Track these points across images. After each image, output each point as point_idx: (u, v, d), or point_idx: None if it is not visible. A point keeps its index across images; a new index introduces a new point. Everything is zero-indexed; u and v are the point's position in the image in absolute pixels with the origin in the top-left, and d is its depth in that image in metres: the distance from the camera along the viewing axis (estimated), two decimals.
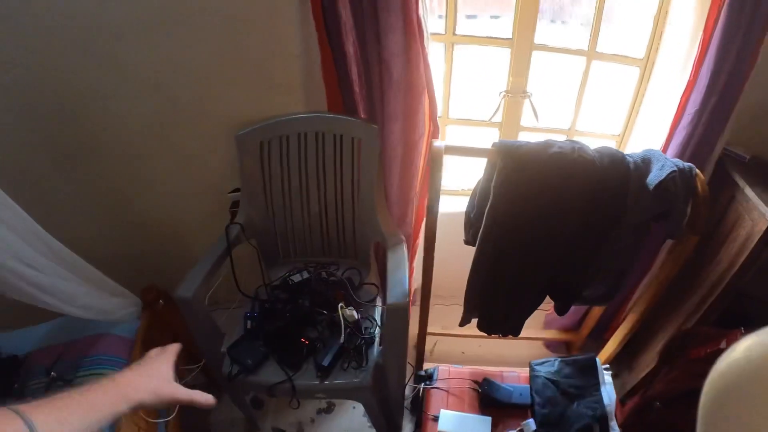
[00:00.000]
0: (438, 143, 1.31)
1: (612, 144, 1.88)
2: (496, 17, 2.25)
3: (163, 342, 1.50)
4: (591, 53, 1.70)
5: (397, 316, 1.31)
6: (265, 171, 1.58)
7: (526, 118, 1.83)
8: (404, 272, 1.38)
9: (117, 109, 1.58)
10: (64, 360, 1.41)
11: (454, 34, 1.68)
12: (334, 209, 1.65)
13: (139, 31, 1.43)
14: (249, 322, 1.54)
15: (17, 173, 1.58)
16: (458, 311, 1.65)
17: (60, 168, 1.68)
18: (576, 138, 1.81)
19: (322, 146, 1.55)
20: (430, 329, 1.79)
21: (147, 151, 1.69)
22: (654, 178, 1.26)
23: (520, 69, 1.71)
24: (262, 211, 1.65)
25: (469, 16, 2.12)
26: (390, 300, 1.31)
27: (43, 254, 1.29)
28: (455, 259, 1.57)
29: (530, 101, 1.75)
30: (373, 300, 1.62)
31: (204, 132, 1.64)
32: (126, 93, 1.55)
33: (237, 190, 1.66)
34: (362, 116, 1.52)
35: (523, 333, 1.67)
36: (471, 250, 1.54)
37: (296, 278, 1.62)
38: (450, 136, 1.58)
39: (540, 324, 2.13)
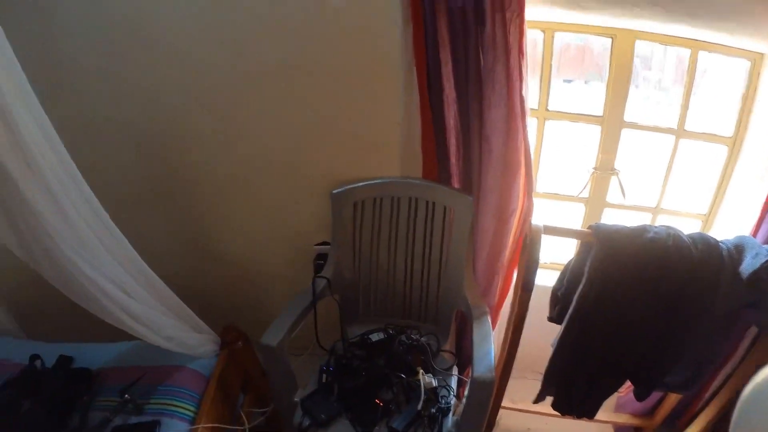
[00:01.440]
0: (536, 223, 1.51)
1: (698, 224, 2.06)
2: (589, 82, 2.53)
3: (235, 382, 1.70)
4: (680, 131, 1.89)
5: (481, 389, 1.45)
6: (356, 230, 1.81)
7: (612, 194, 2.02)
8: (490, 345, 1.54)
9: (214, 152, 1.87)
10: (140, 384, 1.58)
11: (546, 109, 1.91)
12: (420, 274, 1.85)
13: (245, 81, 1.71)
14: (324, 376, 1.71)
15: (117, 200, 1.75)
16: (526, 384, 1.80)
17: (154, 200, 1.97)
18: (661, 216, 2.01)
19: (414, 211, 1.76)
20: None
21: (237, 195, 1.95)
22: (748, 266, 1.38)
23: (609, 146, 1.92)
24: (349, 268, 1.86)
25: (566, 81, 2.40)
26: (476, 373, 1.45)
27: (137, 281, 1.50)
28: (530, 332, 1.71)
29: (618, 178, 1.96)
30: (450, 368, 1.79)
31: (295, 183, 1.88)
32: (224, 138, 1.83)
33: (323, 243, 1.89)
34: (456, 186, 1.73)
35: None
36: (548, 325, 1.71)
37: (375, 337, 1.80)
38: (535, 209, 1.78)
39: (611, 406, 2.25)
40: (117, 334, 1.54)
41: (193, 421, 1.51)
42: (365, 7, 1.55)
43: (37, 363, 1.66)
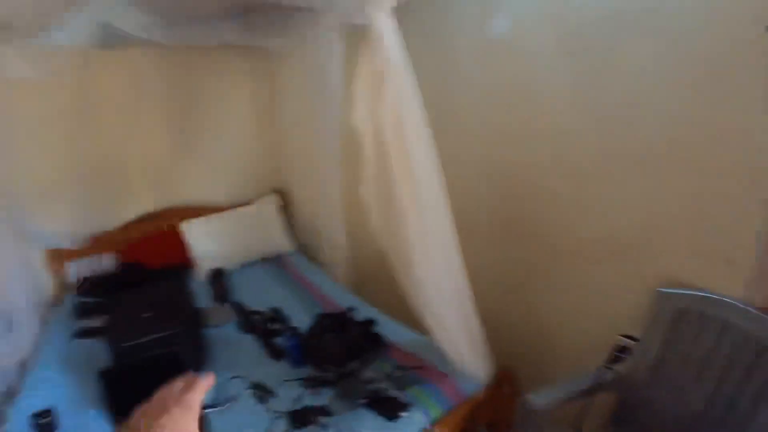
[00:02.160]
0: None
1: None
2: None
3: (485, 416, 1.92)
4: None
5: None
6: (670, 338, 1.68)
7: None
8: None
9: (561, 214, 2.08)
10: (413, 371, 1.97)
11: None
12: (716, 421, 1.57)
13: (607, 160, 1.86)
14: None
15: (467, 228, 1.97)
16: None
17: (494, 236, 2.38)
18: None
19: (743, 348, 1.51)
20: None
21: (568, 256, 2.11)
22: None
23: None
24: (645, 374, 1.75)
25: None
26: None
27: (454, 292, 1.83)
28: None
29: None
30: None
31: (625, 265, 1.88)
32: (574, 205, 2.02)
33: (629, 336, 1.82)
34: None
35: None
36: None
37: None
38: None
39: None
40: (415, 324, 1.98)
41: (434, 423, 1.78)
42: (730, 98, 1.50)
43: (351, 313, 2.27)
